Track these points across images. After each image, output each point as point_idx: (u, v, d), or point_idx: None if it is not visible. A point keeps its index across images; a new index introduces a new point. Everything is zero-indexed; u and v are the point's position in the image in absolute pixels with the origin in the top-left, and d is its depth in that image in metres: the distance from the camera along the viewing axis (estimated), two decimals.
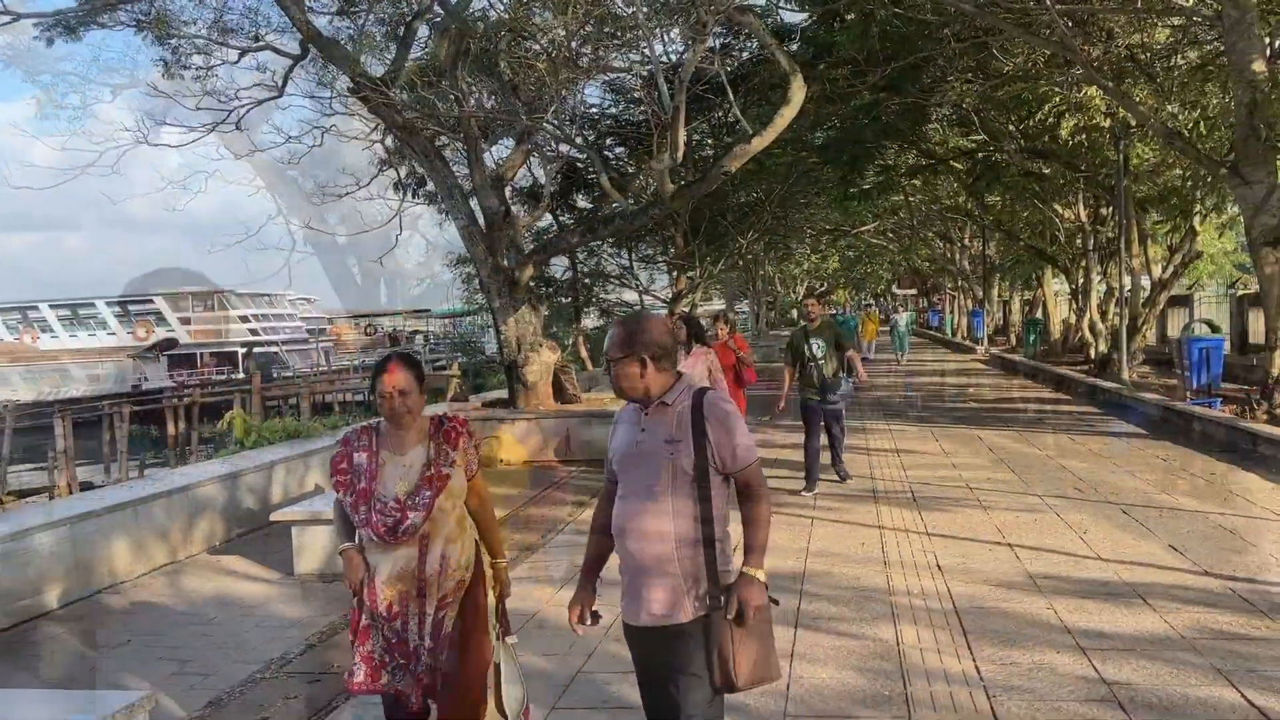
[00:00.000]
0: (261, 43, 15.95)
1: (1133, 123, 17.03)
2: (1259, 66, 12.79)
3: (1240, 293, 22.59)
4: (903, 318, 33.71)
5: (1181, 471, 10.88)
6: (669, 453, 3.14)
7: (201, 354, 62.40)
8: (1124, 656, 5.32)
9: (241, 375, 53.18)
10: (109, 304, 66.18)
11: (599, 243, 26.05)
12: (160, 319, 64.59)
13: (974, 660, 5.36)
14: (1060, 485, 10.31)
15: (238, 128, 16.12)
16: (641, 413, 3.28)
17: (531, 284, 15.85)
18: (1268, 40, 14.12)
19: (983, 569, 7.20)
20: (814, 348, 10.22)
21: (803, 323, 10.83)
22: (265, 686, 5.65)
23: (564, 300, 27.47)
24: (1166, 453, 12.22)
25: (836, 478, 10.74)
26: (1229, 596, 6.32)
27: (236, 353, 62.31)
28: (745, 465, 3.22)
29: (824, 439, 10.61)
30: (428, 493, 3.61)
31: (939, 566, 7.31)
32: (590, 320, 30.97)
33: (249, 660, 6.11)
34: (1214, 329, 18.44)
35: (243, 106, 15.95)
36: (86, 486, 23.33)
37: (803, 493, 10.16)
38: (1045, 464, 11.70)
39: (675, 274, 28.00)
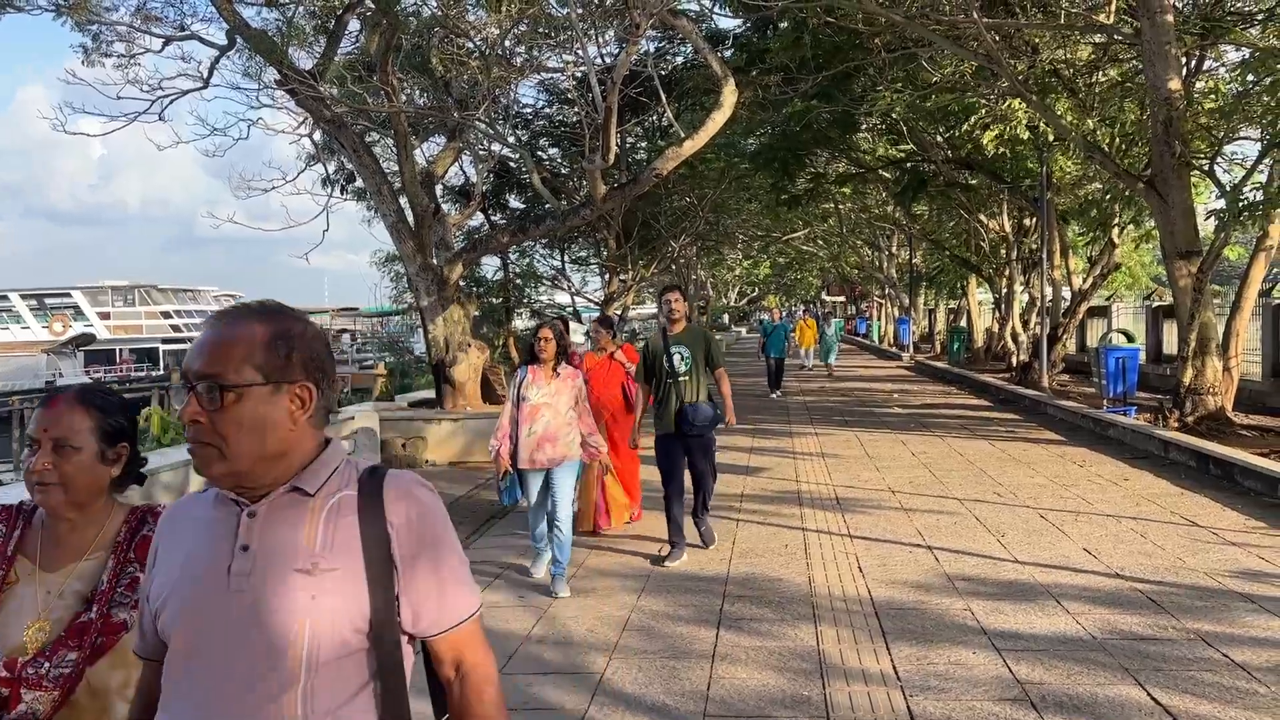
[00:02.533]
0: (186, 32, 15.60)
1: (1052, 136, 17.46)
2: (1174, 85, 13.19)
3: (1155, 304, 23.27)
4: (832, 326, 32.87)
5: (1097, 477, 11.15)
6: (309, 596, 1.56)
7: (120, 350, 60.87)
8: (1037, 656, 5.42)
9: (161, 372, 51.98)
10: (24, 296, 64.25)
11: (531, 243, 25.96)
12: (78, 313, 62.88)
13: (892, 660, 5.42)
14: (980, 489, 10.49)
15: (161, 118, 15.74)
16: (240, 511, 1.64)
17: (461, 283, 15.73)
18: (1183, 60, 14.57)
19: (903, 571, 7.29)
20: (675, 360, 7.65)
21: (662, 323, 8.02)
22: None
23: (495, 301, 27.30)
24: (1083, 458, 12.51)
25: (699, 541, 8.03)
26: (1138, 598, 6.48)
27: (157, 348, 60.93)
28: (457, 623, 1.72)
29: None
30: (71, 654, 1.93)
31: (860, 568, 7.39)
32: (521, 322, 30.82)
33: None
34: (1130, 339, 18.96)
35: (167, 97, 15.58)
36: None
37: (666, 563, 7.58)
38: (966, 468, 11.91)
39: (608, 276, 28.00)
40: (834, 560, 7.65)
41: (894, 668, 5.32)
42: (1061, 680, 5.08)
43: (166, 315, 64.63)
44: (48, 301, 64.05)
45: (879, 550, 7.95)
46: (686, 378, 7.64)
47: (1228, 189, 13.67)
